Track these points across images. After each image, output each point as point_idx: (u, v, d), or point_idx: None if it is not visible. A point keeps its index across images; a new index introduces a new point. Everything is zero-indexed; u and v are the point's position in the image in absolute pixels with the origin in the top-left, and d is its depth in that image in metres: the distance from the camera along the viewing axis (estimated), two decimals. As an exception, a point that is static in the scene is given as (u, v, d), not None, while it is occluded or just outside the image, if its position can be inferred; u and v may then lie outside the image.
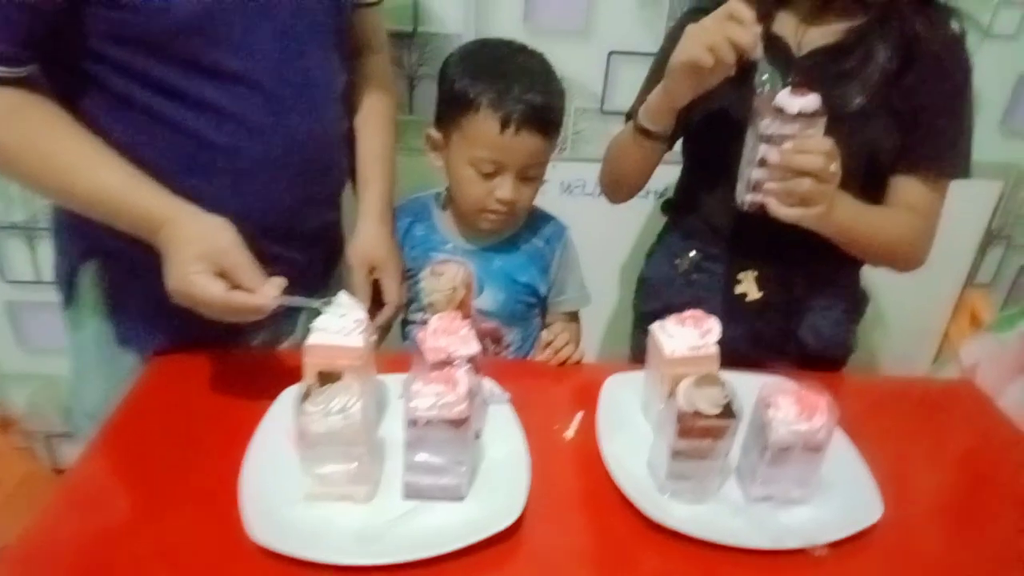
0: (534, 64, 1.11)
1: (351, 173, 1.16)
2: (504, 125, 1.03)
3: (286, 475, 0.80)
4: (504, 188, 1.07)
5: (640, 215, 1.62)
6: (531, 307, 1.22)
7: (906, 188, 1.06)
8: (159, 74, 0.87)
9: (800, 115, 0.87)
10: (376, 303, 1.15)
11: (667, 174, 1.23)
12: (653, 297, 1.29)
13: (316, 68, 0.99)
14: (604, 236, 1.63)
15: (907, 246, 1.08)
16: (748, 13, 0.90)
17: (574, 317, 1.25)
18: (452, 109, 1.08)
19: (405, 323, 1.25)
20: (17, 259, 1.62)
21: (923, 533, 0.84)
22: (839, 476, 0.86)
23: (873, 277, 1.22)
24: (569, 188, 1.62)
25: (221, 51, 0.89)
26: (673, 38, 1.08)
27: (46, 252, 1.60)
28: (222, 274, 0.83)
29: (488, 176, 1.07)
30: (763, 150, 0.90)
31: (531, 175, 1.09)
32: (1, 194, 1.55)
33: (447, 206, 1.21)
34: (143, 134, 0.89)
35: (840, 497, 0.85)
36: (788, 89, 0.88)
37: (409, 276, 1.21)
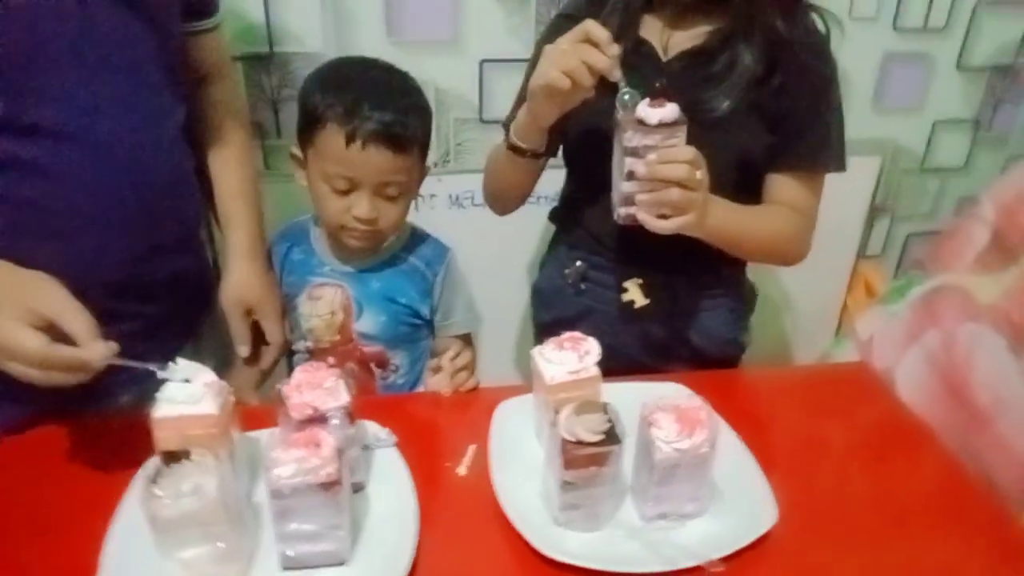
0: (391, 80, 1.07)
1: (213, 210, 1.09)
2: (349, 140, 0.99)
3: (150, 560, 0.73)
4: (360, 206, 1.02)
5: (536, 222, 1.59)
6: (416, 328, 1.18)
7: (781, 186, 1.06)
8: None
9: (661, 125, 0.86)
10: (258, 344, 1.08)
11: (558, 179, 1.21)
12: (546, 308, 1.27)
13: (143, 108, 0.91)
14: (499, 246, 1.60)
15: (786, 243, 1.08)
16: (603, 34, 0.88)
17: (467, 340, 1.21)
18: (306, 125, 1.04)
19: (291, 354, 1.19)
20: None
21: (820, 537, 0.83)
22: (733, 483, 0.85)
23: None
24: (458, 200, 1.58)
25: (26, 104, 0.81)
26: (541, 48, 1.07)
27: None
28: (45, 328, 0.73)
29: (343, 193, 1.03)
30: (629, 163, 0.88)
31: (390, 193, 1.04)
32: None
33: (320, 230, 1.16)
34: None
35: (734, 506, 0.84)
36: (647, 101, 0.87)
37: (288, 303, 1.15)
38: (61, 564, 0.77)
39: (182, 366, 0.79)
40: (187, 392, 0.77)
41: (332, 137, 1.00)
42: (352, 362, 1.15)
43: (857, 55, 1.55)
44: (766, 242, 1.06)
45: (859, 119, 1.64)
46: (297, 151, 1.08)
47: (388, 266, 1.14)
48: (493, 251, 1.56)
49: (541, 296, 1.28)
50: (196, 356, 1.11)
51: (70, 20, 0.82)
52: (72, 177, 0.85)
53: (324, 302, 1.13)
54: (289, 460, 0.71)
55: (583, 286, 1.18)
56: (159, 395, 0.78)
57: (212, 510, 0.70)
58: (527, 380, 0.95)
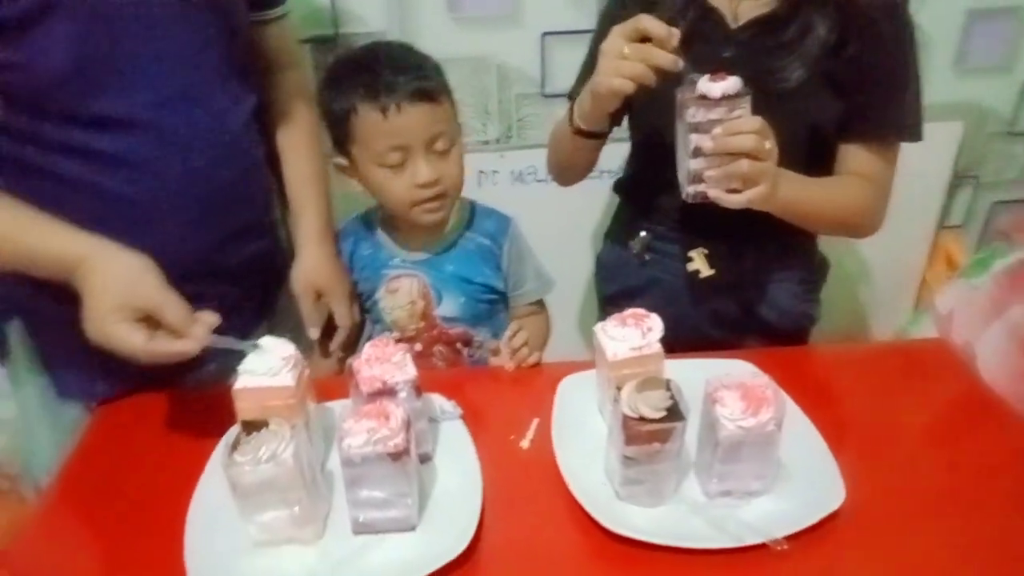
0: (392, 49, 1.08)
1: (283, 194, 1.12)
2: (385, 110, 1.00)
3: (232, 522, 0.77)
4: (420, 171, 1.03)
5: (598, 196, 1.59)
6: (494, 303, 1.19)
7: (855, 157, 1.03)
8: (40, 129, 0.84)
9: (724, 98, 0.84)
10: (330, 328, 1.12)
11: (621, 152, 1.20)
12: (610, 280, 1.27)
13: (213, 99, 0.95)
14: (564, 220, 1.60)
15: (859, 215, 1.05)
16: (661, 29, 0.86)
17: (540, 305, 1.23)
18: (338, 127, 1.05)
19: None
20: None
21: (889, 518, 0.81)
22: (800, 462, 0.84)
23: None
24: (521, 176, 1.59)
25: (102, 99, 0.86)
26: (607, 20, 1.06)
27: None
28: (145, 319, 0.80)
29: (399, 167, 1.04)
30: (695, 139, 0.87)
31: (440, 147, 1.04)
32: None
33: (383, 225, 1.17)
34: (42, 193, 0.85)
35: (801, 485, 0.82)
36: (707, 76, 0.85)
37: (365, 298, 1.18)
38: (150, 524, 0.82)
39: (270, 345, 0.83)
40: (266, 365, 0.81)
41: (368, 117, 1.01)
42: (439, 345, 1.17)
43: (937, 14, 1.47)
44: (838, 214, 1.03)
45: (939, 82, 1.56)
46: (339, 160, 1.09)
47: (456, 248, 1.15)
48: (557, 225, 1.56)
49: (605, 268, 1.28)
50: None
51: (143, 18, 0.86)
52: (149, 166, 0.90)
53: (402, 293, 1.14)
54: (360, 431, 0.74)
55: (648, 257, 1.17)
56: (240, 368, 0.82)
57: (288, 476, 0.73)
58: (591, 354, 0.95)
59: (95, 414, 1.02)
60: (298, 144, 1.11)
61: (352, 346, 1.20)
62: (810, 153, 1.02)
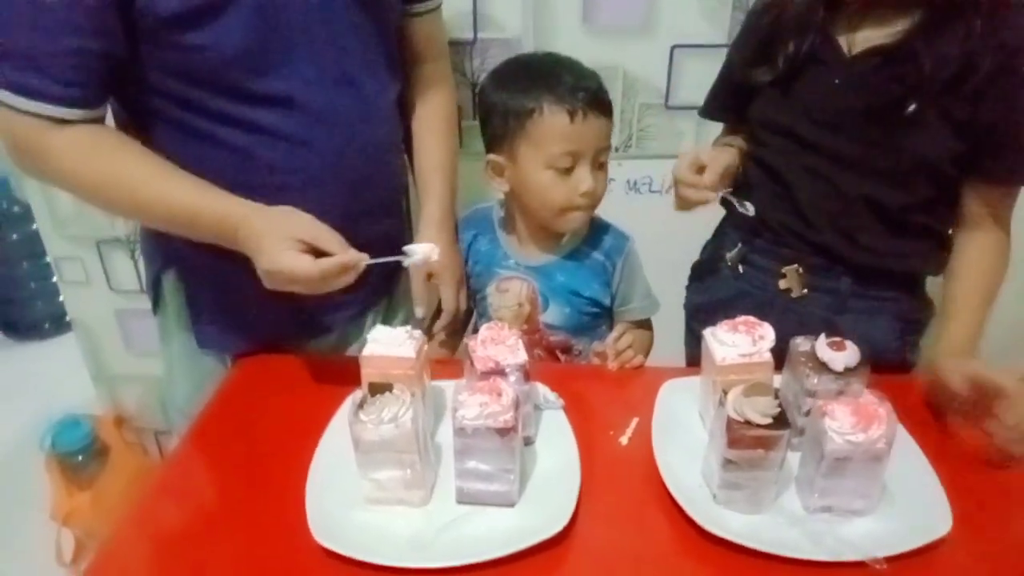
0: (563, 61, 1.12)
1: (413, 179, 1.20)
2: (572, 115, 1.04)
3: (348, 479, 0.84)
4: (586, 179, 1.07)
5: (708, 210, 1.59)
6: (597, 317, 1.22)
7: (981, 198, 1.01)
8: (211, 103, 0.94)
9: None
10: (438, 310, 1.18)
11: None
12: (702, 290, 1.27)
13: (363, 83, 1.03)
14: (672, 232, 1.60)
15: (1003, 274, 1.04)
16: (690, 177, 1.04)
17: (645, 324, 1.24)
18: (511, 124, 1.08)
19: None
20: (122, 270, 1.76)
21: (995, 548, 0.79)
22: (905, 486, 0.83)
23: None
24: (636, 185, 1.60)
25: (267, 78, 0.95)
26: (738, 39, 1.12)
27: (146, 263, 1.74)
28: (308, 250, 0.90)
29: (566, 172, 1.07)
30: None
31: (602, 160, 1.10)
32: (107, 211, 1.69)
33: (507, 227, 1.21)
34: (203, 157, 0.96)
35: (905, 508, 0.81)
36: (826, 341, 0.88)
37: (475, 292, 1.23)
38: (274, 475, 0.90)
39: (420, 249, 0.98)
40: (391, 336, 0.88)
41: (553, 118, 1.05)
42: (539, 349, 1.20)
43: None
44: (997, 291, 1.04)
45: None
46: (496, 157, 1.12)
47: (571, 260, 1.18)
48: (663, 237, 1.56)
49: (699, 277, 1.28)
50: (390, 313, 1.24)
51: (305, 6, 0.94)
52: (302, 139, 0.99)
53: (512, 294, 1.19)
54: (474, 404, 0.78)
55: (741, 268, 1.17)
56: (369, 336, 0.90)
57: (405, 439, 0.79)
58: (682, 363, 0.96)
59: (233, 367, 1.12)
60: (433, 132, 1.18)
61: (458, 333, 1.25)
62: (925, 187, 1.00)
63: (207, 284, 1.09)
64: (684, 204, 1.09)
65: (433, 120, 1.19)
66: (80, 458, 1.84)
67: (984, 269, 1.03)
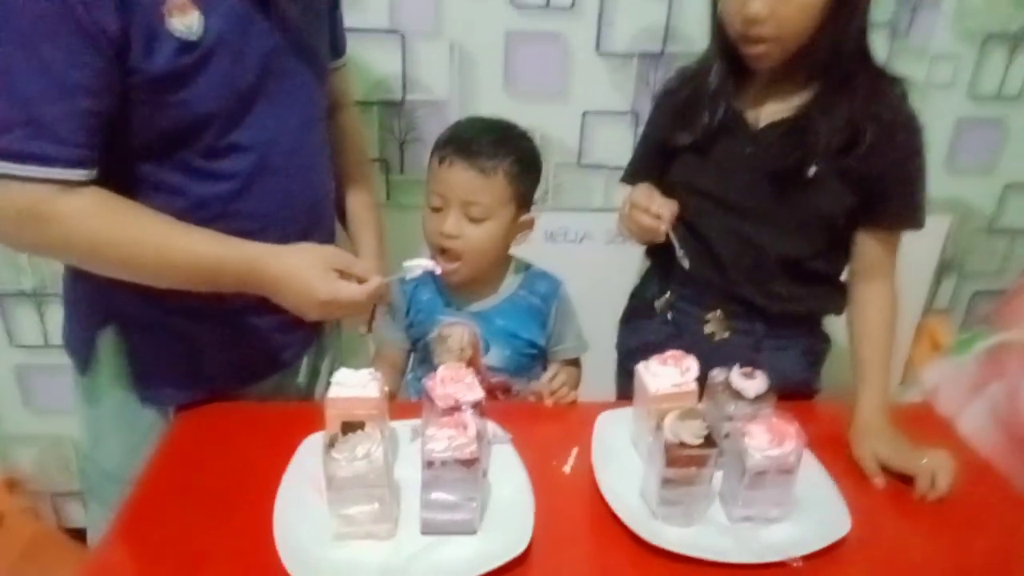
0: (492, 123, 1.24)
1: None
2: (441, 160, 1.17)
3: (315, 517, 0.88)
4: (446, 222, 1.17)
5: (626, 258, 1.73)
6: (534, 358, 1.30)
7: (870, 245, 1.16)
8: (185, 157, 0.98)
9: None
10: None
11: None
12: (633, 334, 1.39)
13: (311, 132, 1.11)
14: (591, 279, 1.73)
15: (896, 324, 1.19)
16: (645, 202, 1.13)
17: (575, 362, 1.34)
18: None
19: (418, 380, 1.31)
20: (26, 324, 1.69)
21: (889, 544, 0.94)
22: (811, 495, 0.96)
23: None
24: (552, 236, 1.73)
25: (236, 131, 1.00)
26: (655, 112, 1.28)
27: (54, 317, 1.68)
28: (342, 275, 0.98)
29: (437, 211, 1.19)
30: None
31: (474, 214, 1.17)
32: (10, 262, 1.63)
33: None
34: (171, 209, 0.97)
35: (813, 514, 0.94)
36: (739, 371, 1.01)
37: (417, 339, 1.30)
38: (238, 518, 0.91)
39: (413, 265, 1.08)
40: (355, 378, 0.93)
41: (433, 162, 1.19)
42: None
43: (932, 119, 1.64)
44: (893, 334, 1.19)
45: (932, 179, 1.70)
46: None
47: (509, 304, 1.27)
48: (584, 283, 1.69)
49: (629, 322, 1.40)
50: (320, 353, 1.33)
51: (270, 62, 1.01)
52: (252, 187, 1.04)
53: (454, 339, 1.25)
54: (442, 437, 0.85)
55: (669, 316, 1.29)
56: (333, 379, 0.94)
57: (378, 473, 0.84)
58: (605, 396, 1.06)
59: (176, 419, 1.12)
60: (358, 175, 1.30)
61: (398, 372, 1.33)
62: (824, 238, 1.17)
63: (153, 337, 1.09)
64: (635, 230, 1.17)
65: (356, 164, 1.30)
66: (-32, 525, 1.72)
67: (884, 324, 1.17)
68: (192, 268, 0.96)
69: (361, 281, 1.00)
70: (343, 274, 0.98)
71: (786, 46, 1.05)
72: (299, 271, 0.96)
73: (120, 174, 0.94)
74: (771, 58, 1.07)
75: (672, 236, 1.13)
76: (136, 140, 0.94)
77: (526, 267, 1.31)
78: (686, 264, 1.16)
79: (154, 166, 0.97)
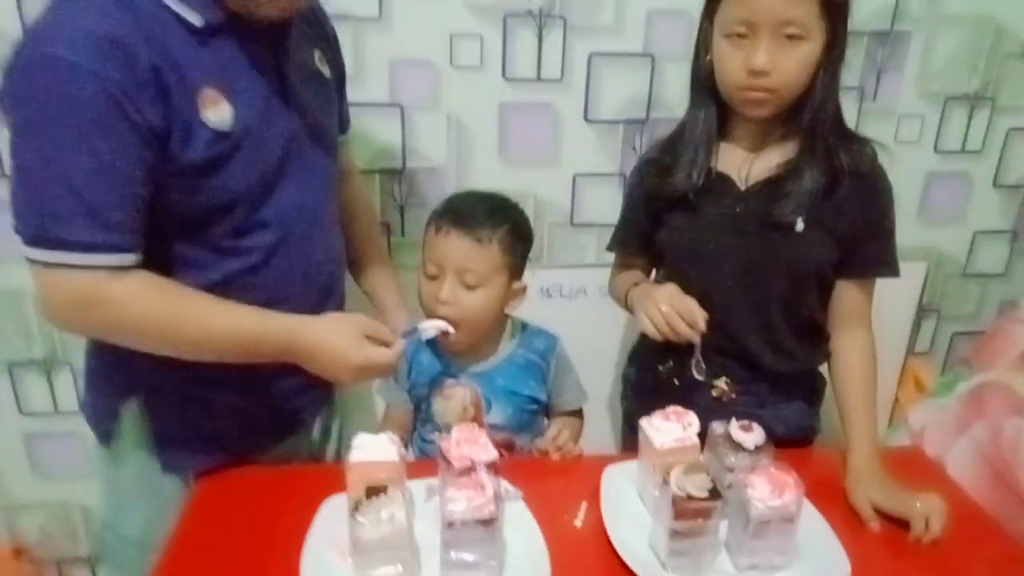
0: (486, 196, 1.30)
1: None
2: (438, 229, 1.22)
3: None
4: (443, 289, 1.21)
5: (616, 311, 1.80)
6: (536, 413, 1.34)
7: (848, 294, 1.25)
8: (214, 235, 1.04)
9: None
10: None
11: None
12: (639, 397, 1.43)
13: (327, 205, 1.19)
14: (584, 334, 1.79)
15: (875, 360, 1.26)
16: (680, 306, 1.15)
17: (576, 413, 1.38)
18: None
19: (422, 440, 1.36)
20: (34, 392, 1.71)
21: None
22: (811, 542, 1.01)
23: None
24: (547, 292, 1.79)
25: (260, 210, 1.06)
26: (635, 177, 1.35)
27: (64, 384, 1.71)
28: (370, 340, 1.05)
29: (433, 278, 1.23)
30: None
31: (468, 281, 1.20)
32: (21, 331, 1.66)
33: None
34: (200, 283, 1.03)
35: (814, 560, 0.99)
36: (737, 424, 1.07)
37: (419, 402, 1.33)
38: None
39: (427, 326, 1.19)
40: (375, 442, 0.97)
41: (429, 231, 1.24)
42: None
43: (903, 174, 1.76)
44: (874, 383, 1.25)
45: (907, 229, 1.81)
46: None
47: (509, 363, 1.31)
48: (579, 336, 1.75)
49: (634, 386, 1.45)
50: (330, 415, 1.38)
51: (290, 145, 1.08)
52: (281, 257, 1.10)
53: (456, 400, 1.30)
54: (461, 498, 0.89)
55: (675, 381, 1.32)
56: (353, 443, 0.99)
57: (401, 536, 0.88)
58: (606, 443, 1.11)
59: (196, 484, 1.15)
60: (372, 238, 1.40)
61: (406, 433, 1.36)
62: (817, 290, 1.24)
63: (175, 405, 1.13)
64: (664, 330, 1.16)
65: (368, 229, 1.40)
66: (-28, 597, 1.71)
67: (867, 372, 1.24)
68: (235, 342, 1.01)
69: (386, 344, 1.06)
70: (370, 338, 1.04)
71: (783, 97, 1.14)
72: (334, 339, 1.03)
73: (154, 253, 0.99)
74: (769, 106, 1.15)
75: (696, 345, 1.18)
76: (169, 221, 1.00)
77: (523, 326, 1.36)
78: (700, 376, 1.22)
79: (185, 244, 1.03)
